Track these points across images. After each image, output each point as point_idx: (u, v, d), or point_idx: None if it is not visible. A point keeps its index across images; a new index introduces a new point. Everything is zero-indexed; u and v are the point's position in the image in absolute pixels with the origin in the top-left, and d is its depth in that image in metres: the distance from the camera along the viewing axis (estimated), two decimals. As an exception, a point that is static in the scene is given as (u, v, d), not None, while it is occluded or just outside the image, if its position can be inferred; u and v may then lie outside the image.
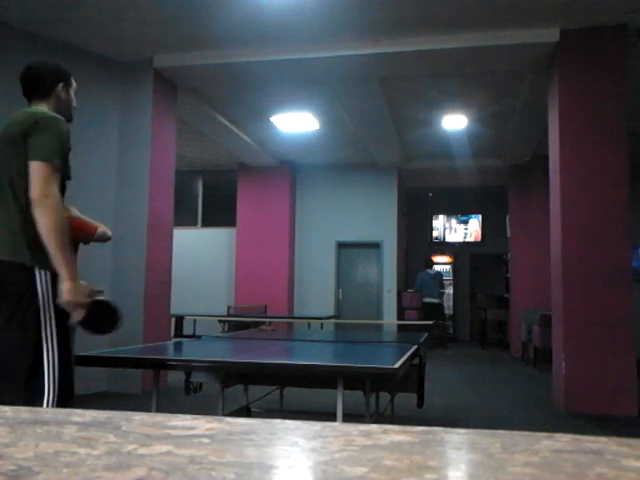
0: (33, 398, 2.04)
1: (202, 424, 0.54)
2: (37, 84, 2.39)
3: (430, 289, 11.28)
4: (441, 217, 14.05)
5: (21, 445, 0.47)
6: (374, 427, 0.53)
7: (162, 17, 5.31)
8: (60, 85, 2.42)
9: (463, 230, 14.01)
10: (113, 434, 0.50)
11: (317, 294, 10.82)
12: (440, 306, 11.68)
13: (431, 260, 12.22)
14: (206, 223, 11.37)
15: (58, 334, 2.12)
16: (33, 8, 5.10)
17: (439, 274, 11.90)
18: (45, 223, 2.09)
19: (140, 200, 6.12)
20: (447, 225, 14.08)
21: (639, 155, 7.65)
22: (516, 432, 0.52)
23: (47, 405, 2.05)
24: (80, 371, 3.28)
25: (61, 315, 2.14)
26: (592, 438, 0.50)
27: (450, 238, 14.04)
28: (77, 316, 2.14)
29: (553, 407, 5.41)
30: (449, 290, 13.56)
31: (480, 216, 13.86)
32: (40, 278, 2.12)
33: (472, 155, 9.94)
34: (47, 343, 2.09)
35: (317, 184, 11.09)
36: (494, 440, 0.49)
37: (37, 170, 2.12)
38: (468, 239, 13.96)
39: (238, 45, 5.91)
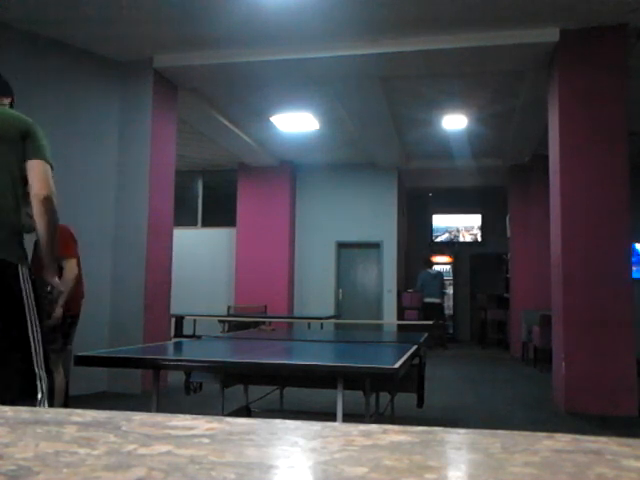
0: (26, 394, 2.04)
1: (202, 424, 0.54)
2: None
3: (432, 289, 11.29)
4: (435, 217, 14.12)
5: (21, 445, 0.47)
6: (374, 427, 0.53)
7: (162, 17, 5.31)
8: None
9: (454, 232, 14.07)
10: (113, 434, 0.50)
11: (317, 294, 10.81)
12: (440, 306, 11.68)
13: (430, 259, 12.23)
14: (206, 223, 11.36)
15: (40, 328, 2.14)
16: (33, 8, 5.10)
17: (440, 274, 11.91)
18: (48, 220, 2.19)
19: (140, 200, 6.11)
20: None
21: (639, 155, 7.64)
22: (516, 432, 0.52)
23: (41, 398, 2.06)
24: (80, 371, 3.28)
25: (39, 308, 2.18)
26: (592, 438, 0.49)
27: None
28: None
29: (553, 407, 5.41)
30: (449, 290, 13.57)
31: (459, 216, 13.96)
32: (22, 275, 2.15)
33: (472, 155, 9.94)
34: (34, 339, 2.10)
35: (317, 184, 11.09)
36: (494, 440, 0.49)
37: (42, 168, 2.20)
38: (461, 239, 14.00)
39: (238, 45, 5.91)
